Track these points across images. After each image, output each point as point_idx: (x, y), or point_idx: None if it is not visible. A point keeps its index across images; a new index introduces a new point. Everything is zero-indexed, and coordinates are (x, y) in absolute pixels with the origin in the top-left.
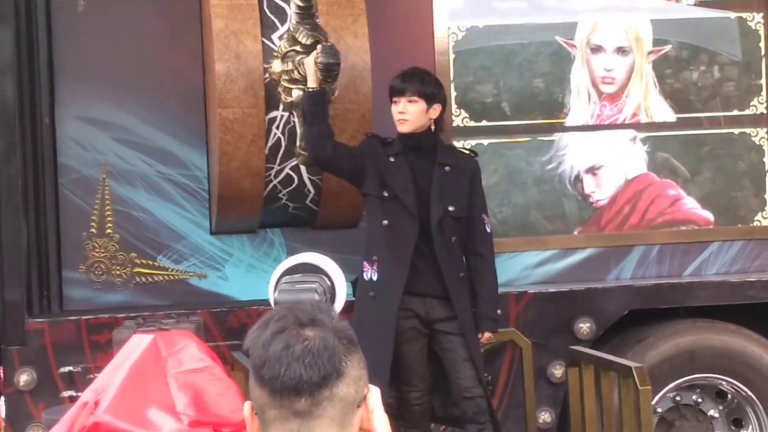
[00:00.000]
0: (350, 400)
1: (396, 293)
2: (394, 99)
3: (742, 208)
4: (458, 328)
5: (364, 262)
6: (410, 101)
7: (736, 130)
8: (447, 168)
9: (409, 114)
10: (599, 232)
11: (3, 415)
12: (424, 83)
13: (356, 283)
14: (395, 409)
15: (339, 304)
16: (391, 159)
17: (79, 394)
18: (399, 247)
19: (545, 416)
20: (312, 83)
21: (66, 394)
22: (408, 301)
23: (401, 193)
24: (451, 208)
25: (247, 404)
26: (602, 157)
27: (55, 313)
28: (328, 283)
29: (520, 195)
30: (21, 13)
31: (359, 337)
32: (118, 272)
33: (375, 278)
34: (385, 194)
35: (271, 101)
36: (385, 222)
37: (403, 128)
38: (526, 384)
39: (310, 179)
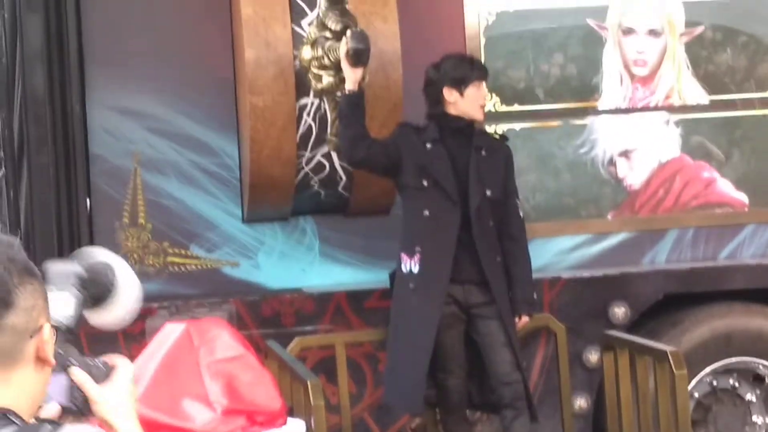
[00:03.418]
0: (20, 330)
1: (441, 284)
2: (476, 83)
3: None
4: (496, 312)
5: (403, 254)
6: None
7: None
8: (483, 152)
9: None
10: (633, 216)
11: None
12: None
13: (393, 276)
14: (433, 397)
15: None
16: (428, 146)
17: None
18: (442, 237)
19: (581, 402)
20: (350, 85)
21: None
22: (448, 288)
23: (443, 180)
24: (488, 192)
25: None
26: (635, 141)
27: None
28: None
29: (553, 180)
30: (51, 1)
31: (398, 329)
32: (150, 261)
33: (416, 270)
34: (425, 183)
35: (302, 88)
36: (426, 212)
37: (481, 114)
38: (561, 369)
39: (341, 166)
